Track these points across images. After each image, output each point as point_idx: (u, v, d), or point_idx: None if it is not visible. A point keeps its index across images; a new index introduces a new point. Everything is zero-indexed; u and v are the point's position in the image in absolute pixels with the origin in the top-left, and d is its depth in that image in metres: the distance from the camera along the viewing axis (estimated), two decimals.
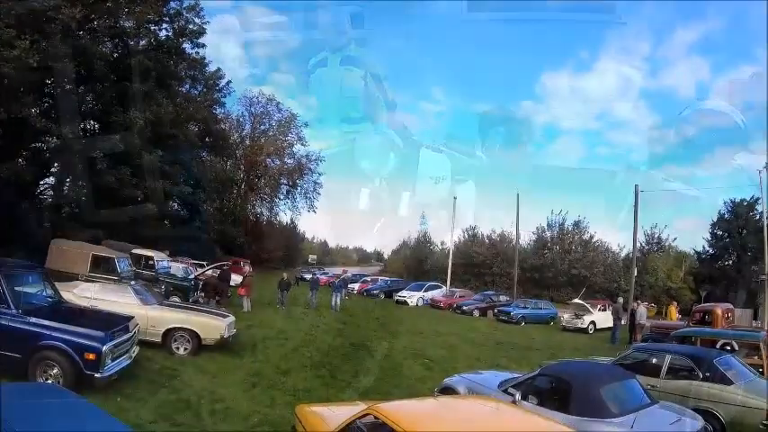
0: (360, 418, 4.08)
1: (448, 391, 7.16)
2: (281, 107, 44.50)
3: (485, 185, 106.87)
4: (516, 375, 7.18)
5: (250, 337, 12.42)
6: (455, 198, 43.55)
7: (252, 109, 44.27)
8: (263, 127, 44.88)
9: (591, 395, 5.72)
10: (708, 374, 7.31)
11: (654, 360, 8.09)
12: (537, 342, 18.25)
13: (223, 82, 38.58)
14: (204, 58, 31.68)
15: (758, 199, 37.38)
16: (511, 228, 38.29)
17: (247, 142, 44.35)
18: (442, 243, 48.50)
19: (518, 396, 5.80)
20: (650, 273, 41.75)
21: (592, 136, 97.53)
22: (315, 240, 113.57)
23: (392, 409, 3.90)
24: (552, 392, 6.16)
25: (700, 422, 5.81)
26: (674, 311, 22.95)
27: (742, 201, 38.42)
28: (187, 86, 32.48)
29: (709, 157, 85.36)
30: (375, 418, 3.85)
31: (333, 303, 21.08)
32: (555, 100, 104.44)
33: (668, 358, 7.83)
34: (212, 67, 36.32)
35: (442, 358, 13.05)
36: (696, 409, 6.73)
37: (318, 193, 45.85)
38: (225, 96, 38.96)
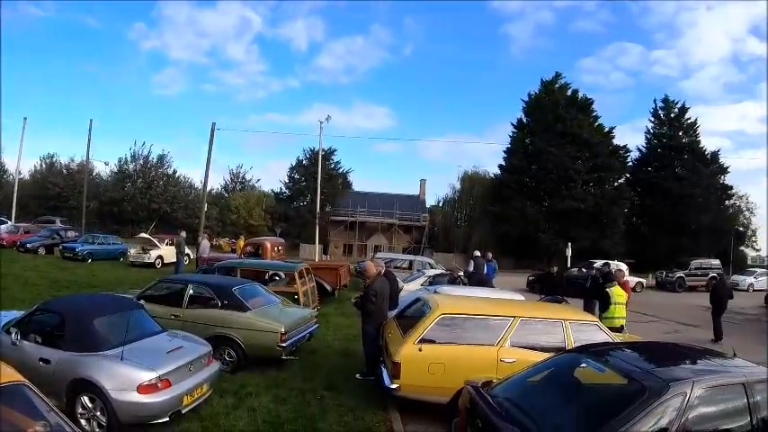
0: None
1: None
2: None
3: (69, 107, 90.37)
4: (22, 313, 6.40)
5: None
6: (25, 118, 36.73)
7: None
8: None
9: (81, 329, 5.51)
10: (226, 302, 7.82)
11: (177, 290, 8.20)
12: (98, 279, 17.29)
13: None
14: None
15: (335, 150, 45.44)
16: (90, 157, 34.85)
17: None
18: (20, 173, 39.42)
19: (15, 335, 5.47)
20: (233, 210, 44.92)
21: (199, 71, 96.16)
22: None
23: None
24: (50, 329, 5.72)
25: (204, 347, 6.09)
26: (242, 244, 24.15)
27: (323, 150, 45.70)
28: None
29: (306, 108, 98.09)
30: None
31: None
32: (169, 27, 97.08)
33: (190, 288, 8.06)
34: None
35: None
36: (217, 336, 7.24)
37: None
38: None
